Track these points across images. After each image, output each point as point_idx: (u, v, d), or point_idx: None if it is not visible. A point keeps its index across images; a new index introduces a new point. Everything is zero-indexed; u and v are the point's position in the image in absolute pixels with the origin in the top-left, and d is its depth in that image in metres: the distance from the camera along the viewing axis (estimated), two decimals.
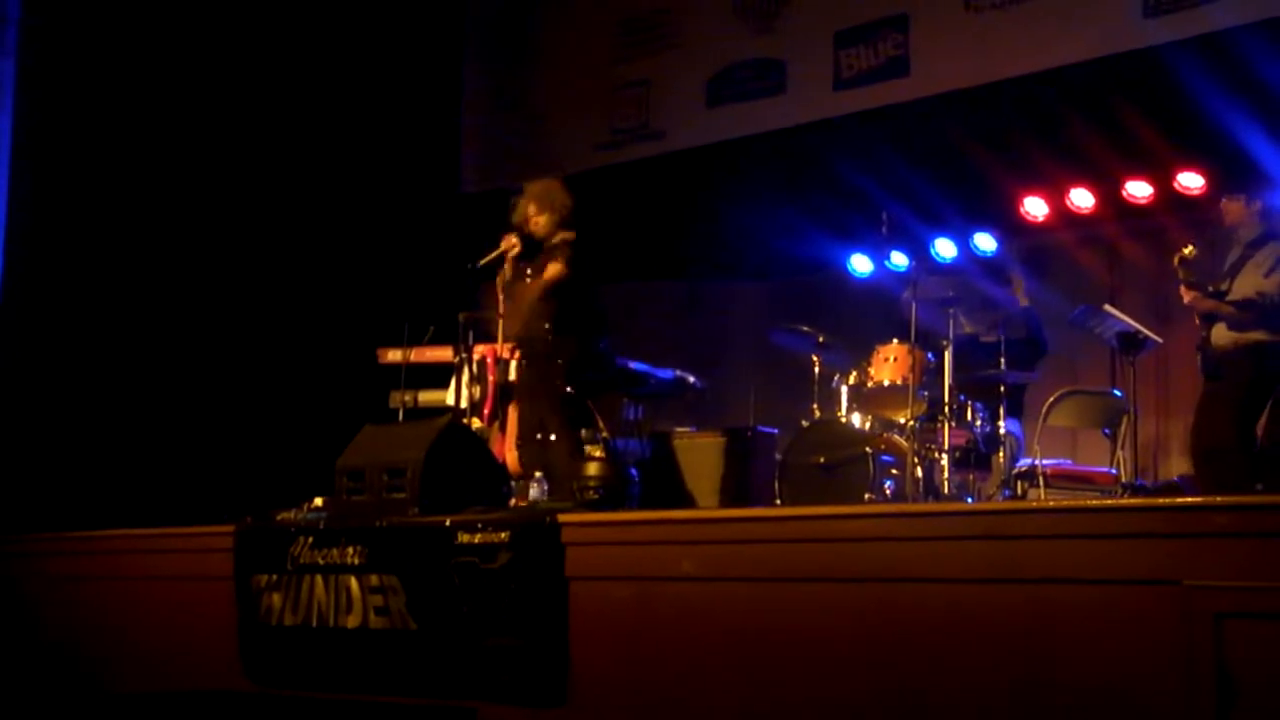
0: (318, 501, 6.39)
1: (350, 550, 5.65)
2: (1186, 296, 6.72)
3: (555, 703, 4.98)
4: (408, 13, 10.09)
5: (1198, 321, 6.71)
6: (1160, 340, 7.42)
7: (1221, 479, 6.13)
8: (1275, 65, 7.19)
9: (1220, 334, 6.61)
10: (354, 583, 5.61)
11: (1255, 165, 7.56)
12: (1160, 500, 4.71)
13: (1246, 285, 6.57)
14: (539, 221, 6.80)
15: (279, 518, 6.24)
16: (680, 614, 4.83)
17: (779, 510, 6.22)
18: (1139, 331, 7.26)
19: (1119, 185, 8.85)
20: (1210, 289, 6.66)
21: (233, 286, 9.10)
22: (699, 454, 7.19)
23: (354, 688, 5.57)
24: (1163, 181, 8.63)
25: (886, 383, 7.40)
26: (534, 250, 6.77)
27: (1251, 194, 6.78)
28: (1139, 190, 8.78)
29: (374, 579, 5.55)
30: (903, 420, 7.27)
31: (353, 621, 5.59)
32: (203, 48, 9.10)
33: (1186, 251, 6.68)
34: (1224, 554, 3.77)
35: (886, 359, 7.43)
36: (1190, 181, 8.46)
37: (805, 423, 7.55)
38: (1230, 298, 6.59)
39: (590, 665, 4.97)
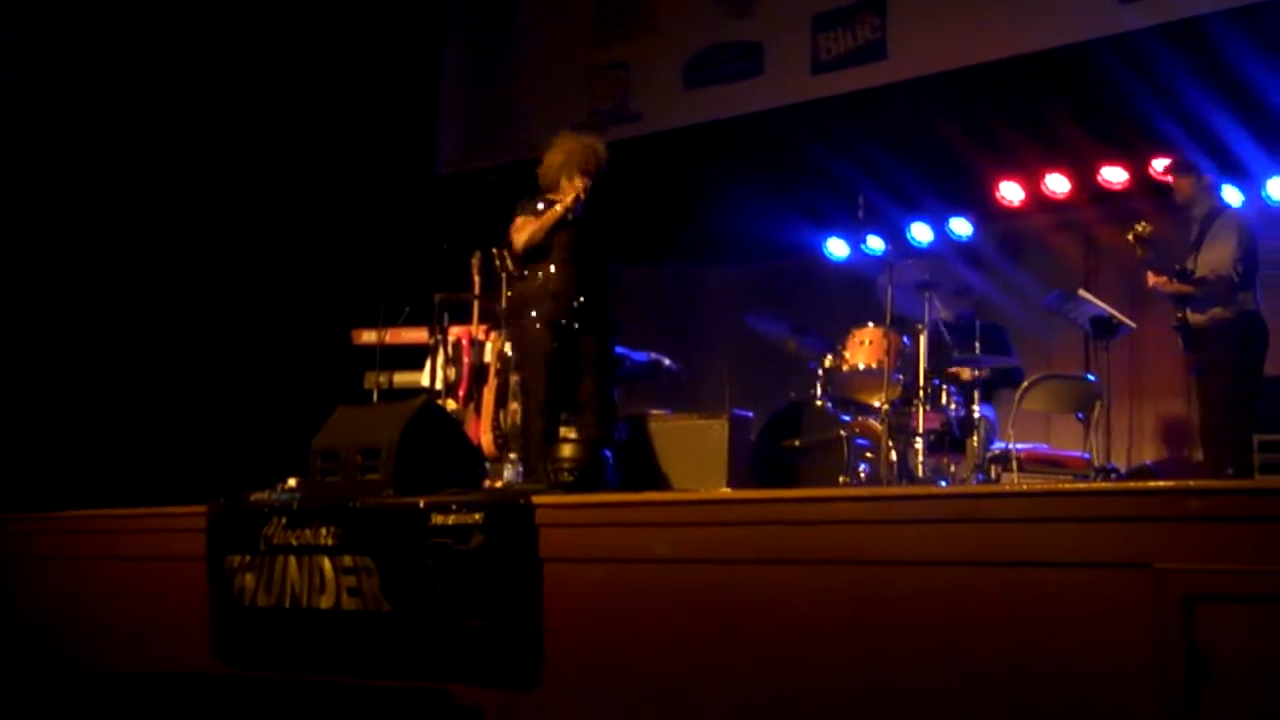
0: (291, 482, 6.38)
1: (324, 531, 5.64)
2: (1151, 280, 6.83)
3: (529, 684, 4.99)
4: None
5: (1172, 305, 6.80)
6: (1134, 325, 7.45)
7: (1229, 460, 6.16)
8: (1244, 52, 7.25)
9: (1196, 311, 6.71)
10: (327, 563, 5.59)
11: (1224, 149, 7.62)
12: (1132, 484, 4.73)
13: (1205, 263, 6.69)
14: (577, 181, 6.38)
15: (252, 498, 6.22)
16: (654, 596, 4.84)
17: (753, 493, 6.22)
18: (1113, 316, 7.30)
19: (1094, 170, 8.87)
20: (1177, 268, 6.77)
21: (207, 266, 9.05)
22: (674, 436, 7.19)
23: (327, 669, 5.56)
24: (1137, 167, 8.65)
25: (861, 366, 7.40)
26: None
27: (1200, 170, 6.92)
28: (1114, 176, 8.81)
29: (347, 560, 5.54)
30: (877, 404, 7.28)
31: (326, 602, 5.58)
32: (175, 25, 9.03)
33: (1139, 227, 6.83)
34: (1195, 537, 3.80)
35: (861, 342, 7.43)
36: (1164, 167, 8.48)
37: (781, 406, 7.55)
38: (1196, 275, 6.69)
39: (564, 647, 4.98)
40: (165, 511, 6.45)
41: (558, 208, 6.23)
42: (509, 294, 6.49)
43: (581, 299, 6.22)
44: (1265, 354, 6.71)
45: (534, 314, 6.20)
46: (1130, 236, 6.96)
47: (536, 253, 6.27)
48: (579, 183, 6.26)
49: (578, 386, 6.23)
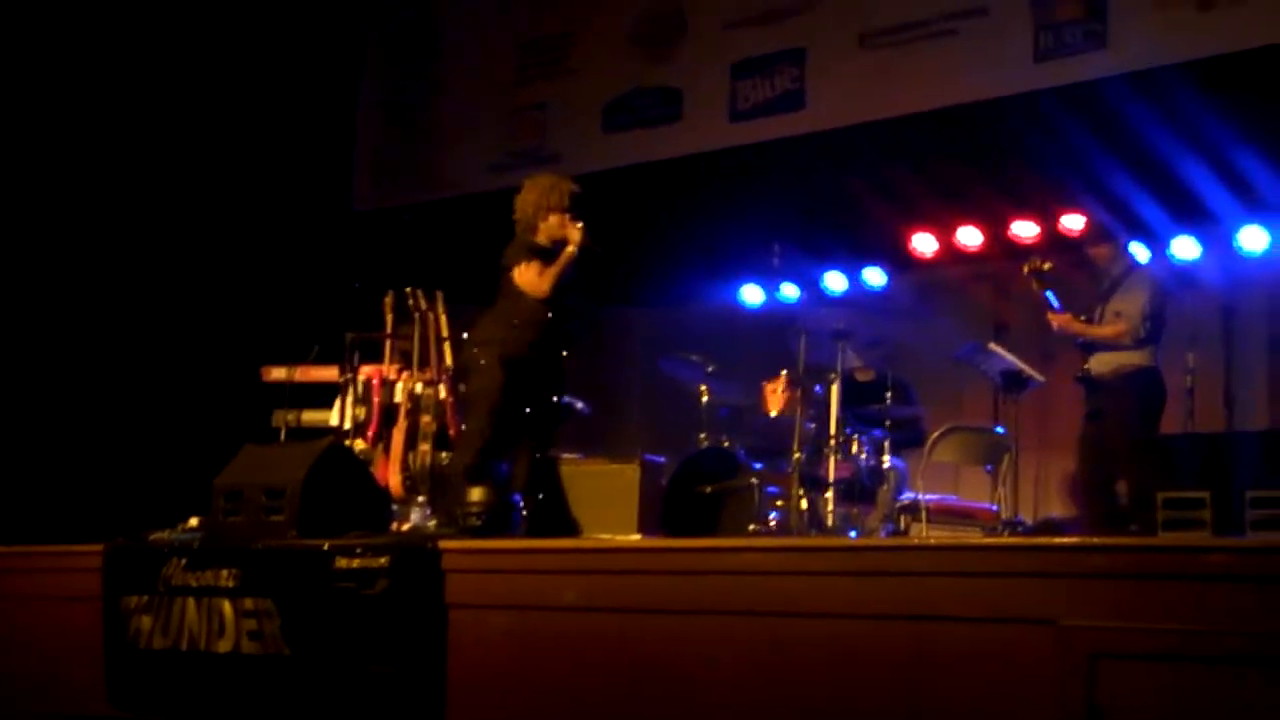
0: (193, 522, 6.25)
1: (225, 573, 5.52)
2: (1055, 322, 6.98)
3: None
4: (304, 28, 9.96)
5: (1080, 354, 6.96)
6: (1043, 379, 7.55)
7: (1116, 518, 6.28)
8: (1145, 114, 7.44)
9: (1100, 362, 6.90)
10: (227, 606, 5.48)
11: (1127, 208, 7.79)
12: (1037, 540, 4.78)
13: (1113, 312, 6.85)
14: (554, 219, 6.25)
15: (152, 538, 6.09)
16: (561, 644, 4.78)
17: (662, 541, 6.20)
18: (1022, 370, 7.40)
19: (1006, 224, 9.00)
20: (1083, 318, 6.92)
21: (113, 299, 8.89)
22: (585, 481, 7.15)
23: (225, 714, 5.45)
24: (1048, 221, 8.79)
25: (774, 414, 7.42)
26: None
27: (1117, 237, 7.11)
28: (1025, 230, 8.94)
29: (248, 603, 5.42)
30: (788, 452, 7.29)
31: (225, 646, 5.46)
32: (84, 57, 8.89)
33: (1038, 262, 7.00)
34: (1098, 594, 3.82)
35: (774, 390, 7.46)
36: (1073, 223, 8.64)
37: (692, 452, 7.54)
38: (1104, 321, 6.92)
39: (468, 695, 4.90)
40: (61, 550, 6.29)
41: (570, 248, 6.08)
42: (475, 329, 6.31)
43: (545, 341, 6.12)
44: (1162, 411, 6.85)
45: (495, 352, 6.07)
46: (1026, 269, 7.14)
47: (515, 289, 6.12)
48: (573, 224, 6.13)
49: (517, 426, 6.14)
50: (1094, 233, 7.30)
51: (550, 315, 6.11)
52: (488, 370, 6.06)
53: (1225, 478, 4.26)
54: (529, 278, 6.07)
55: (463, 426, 6.41)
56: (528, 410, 6.12)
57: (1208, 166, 7.66)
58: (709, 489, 7.21)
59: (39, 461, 8.28)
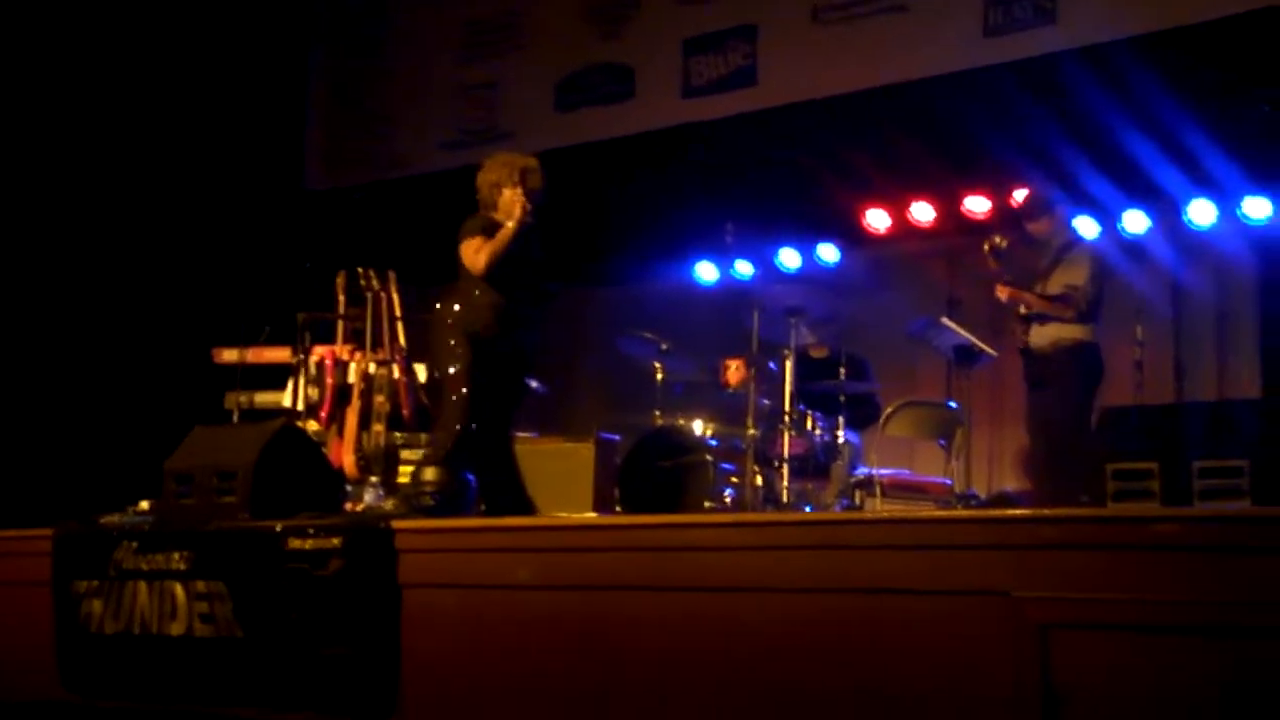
0: (144, 505, 6.19)
1: (176, 555, 5.47)
2: (1003, 293, 7.02)
3: (385, 714, 4.89)
4: (253, 7, 9.86)
5: (1016, 326, 6.99)
6: (995, 354, 7.59)
7: (1065, 490, 6.31)
8: (1094, 89, 7.48)
9: (1039, 335, 6.94)
10: (179, 589, 5.43)
11: (1077, 182, 7.84)
12: (990, 512, 4.78)
13: (1057, 284, 6.87)
14: (518, 196, 6.12)
15: (102, 521, 6.03)
16: (515, 623, 4.77)
17: (616, 518, 6.21)
18: (974, 345, 7.44)
19: (958, 200, 9.03)
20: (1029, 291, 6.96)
21: (63, 279, 8.79)
22: (540, 459, 7.13)
23: (178, 698, 5.40)
24: (1000, 197, 8.83)
25: (729, 390, 7.43)
26: None
27: (1055, 207, 7.12)
28: (977, 205, 8.97)
29: (200, 585, 5.38)
30: (743, 428, 7.30)
31: (177, 629, 5.42)
32: (33, 35, 8.78)
33: (998, 240, 7.03)
34: (1051, 566, 3.84)
35: (734, 365, 7.48)
36: (1020, 205, 8.67)
37: (647, 429, 7.54)
38: (1045, 294, 6.90)
39: (422, 675, 4.89)
40: (10, 534, 6.21)
41: (509, 224, 6.00)
42: (438, 308, 6.17)
43: (506, 319, 6.05)
44: (1098, 386, 6.90)
45: (460, 331, 6.00)
46: (986, 247, 7.17)
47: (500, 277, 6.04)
48: (520, 199, 6.04)
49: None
50: (1032, 206, 7.28)
51: (503, 293, 6.05)
52: (455, 350, 6.01)
53: (1174, 448, 4.30)
54: (468, 254, 6.03)
55: (431, 409, 6.29)
56: (490, 388, 6.04)
57: (1156, 141, 7.71)
58: (664, 465, 7.21)
59: None
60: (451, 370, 6.01)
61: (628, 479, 7.25)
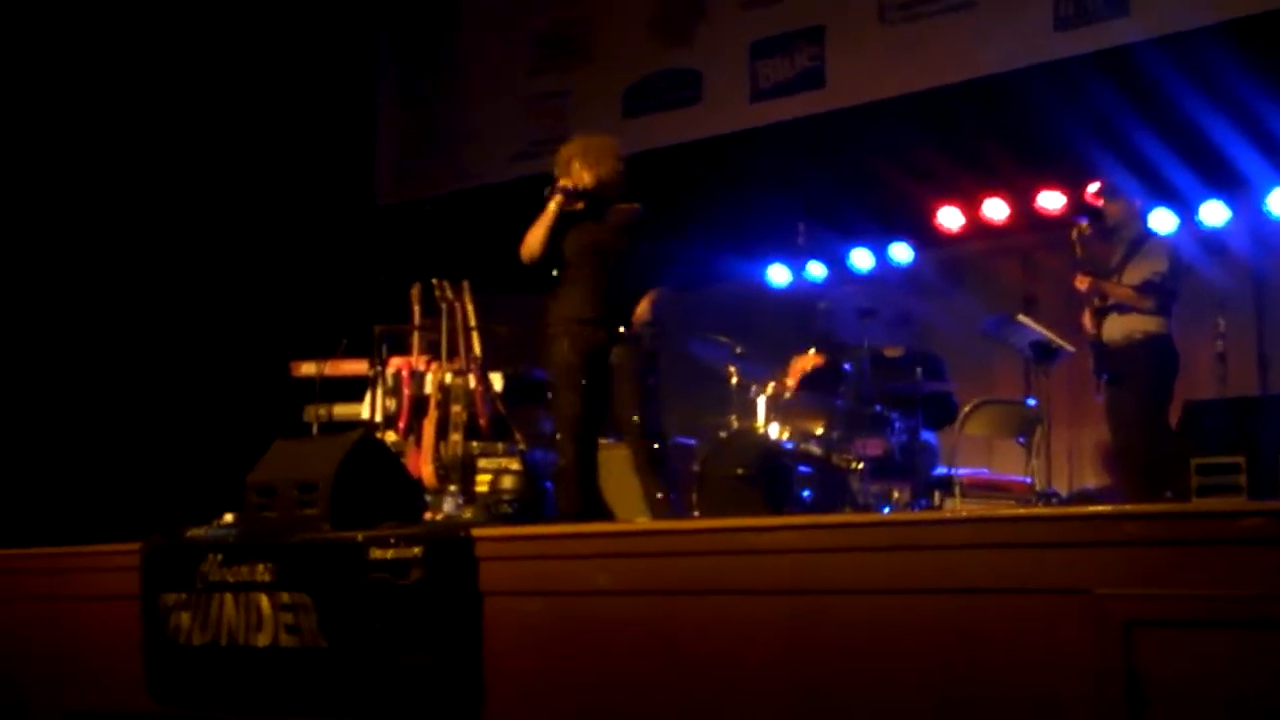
0: (228, 518, 6.28)
1: (260, 567, 5.54)
2: (1083, 283, 6.93)
3: None
4: (323, 23, 9.99)
5: (1088, 319, 6.90)
6: (1073, 350, 7.50)
7: (1151, 485, 6.22)
8: (1174, 79, 7.38)
9: (1113, 327, 6.85)
10: (264, 600, 5.50)
11: (1155, 174, 7.73)
12: (1070, 510, 4.74)
13: (1136, 275, 6.77)
14: (584, 176, 5.96)
15: (188, 535, 6.12)
16: (596, 629, 4.78)
17: (695, 523, 6.19)
18: (1051, 341, 7.36)
19: (1031, 196, 8.94)
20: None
21: (144, 299, 8.94)
22: (616, 465, 7.15)
23: (264, 708, 5.46)
24: (1074, 192, 8.72)
25: (803, 393, 7.39)
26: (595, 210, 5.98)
27: (1129, 194, 7.02)
28: (1051, 201, 8.87)
29: (285, 596, 5.44)
30: (820, 431, 7.28)
31: (263, 640, 5.48)
32: (110, 53, 8.95)
33: (1085, 227, 6.96)
34: (1133, 562, 3.79)
35: (803, 369, 7.43)
36: (1094, 190, 8.57)
37: (723, 434, 7.53)
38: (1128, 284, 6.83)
39: (504, 683, 4.91)
40: (100, 550, 6.32)
41: (550, 205, 5.81)
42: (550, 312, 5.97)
43: (612, 323, 5.85)
44: (1175, 380, 6.79)
45: (563, 340, 5.84)
46: (1074, 233, 7.08)
47: (552, 268, 5.85)
48: (584, 177, 5.85)
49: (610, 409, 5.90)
50: (1109, 188, 7.18)
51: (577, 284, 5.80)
52: (557, 354, 5.87)
53: (1259, 442, 4.23)
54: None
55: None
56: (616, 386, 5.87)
57: (1235, 129, 7.60)
58: (740, 471, 7.19)
59: (75, 462, 8.35)
60: (554, 376, 5.90)
61: (705, 484, 7.24)
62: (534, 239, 5.86)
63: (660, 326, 5.97)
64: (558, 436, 5.90)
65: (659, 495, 5.79)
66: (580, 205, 5.88)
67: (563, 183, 5.87)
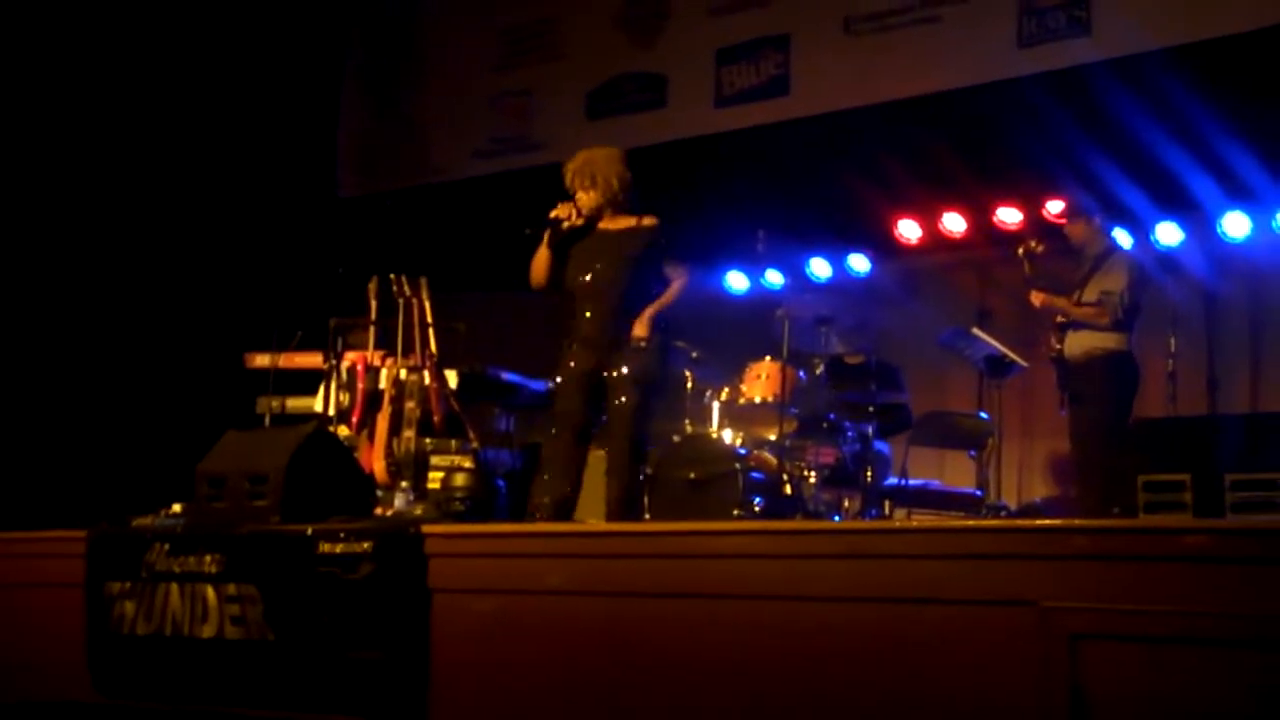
0: (176, 508, 6.23)
1: (208, 558, 5.50)
2: (1037, 299, 6.99)
3: (415, 717, 4.90)
4: (287, 14, 9.93)
5: (1050, 334, 6.96)
6: (1026, 364, 7.57)
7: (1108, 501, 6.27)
8: (1128, 101, 7.46)
9: (1073, 343, 6.89)
10: (210, 591, 5.46)
11: (1111, 193, 7.80)
12: (1019, 522, 4.79)
13: (1094, 291, 6.84)
14: (583, 199, 5.91)
15: (135, 523, 6.07)
16: (545, 628, 4.78)
17: (647, 526, 6.19)
18: (1005, 355, 7.42)
19: (990, 211, 9.01)
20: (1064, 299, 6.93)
21: (97, 285, 8.86)
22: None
23: (208, 699, 5.43)
24: (1032, 208, 8.81)
25: (758, 400, 7.42)
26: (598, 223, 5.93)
27: (1093, 214, 7.09)
28: (1009, 216, 8.94)
29: (231, 588, 5.41)
30: (773, 437, 7.30)
31: (208, 631, 5.45)
32: (68, 41, 8.86)
33: (1033, 244, 7.00)
34: (1080, 576, 3.83)
35: (758, 376, 7.46)
36: (1057, 209, 8.66)
37: (676, 438, 7.55)
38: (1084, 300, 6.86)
39: (452, 679, 4.90)
40: (43, 535, 6.26)
41: (545, 238, 5.82)
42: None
43: (612, 345, 5.82)
44: (1135, 395, 6.86)
45: (568, 356, 5.86)
46: (1021, 250, 7.16)
47: (560, 290, 5.84)
48: (582, 196, 5.81)
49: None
50: (1071, 207, 7.24)
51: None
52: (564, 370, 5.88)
53: (1207, 460, 4.28)
54: None
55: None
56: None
57: (1191, 153, 7.68)
58: (693, 475, 7.21)
59: (20, 448, 8.26)
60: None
61: (656, 487, 7.25)
62: (536, 271, 5.92)
63: (661, 340, 6.01)
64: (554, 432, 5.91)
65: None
66: (580, 222, 5.88)
67: (554, 214, 5.86)
